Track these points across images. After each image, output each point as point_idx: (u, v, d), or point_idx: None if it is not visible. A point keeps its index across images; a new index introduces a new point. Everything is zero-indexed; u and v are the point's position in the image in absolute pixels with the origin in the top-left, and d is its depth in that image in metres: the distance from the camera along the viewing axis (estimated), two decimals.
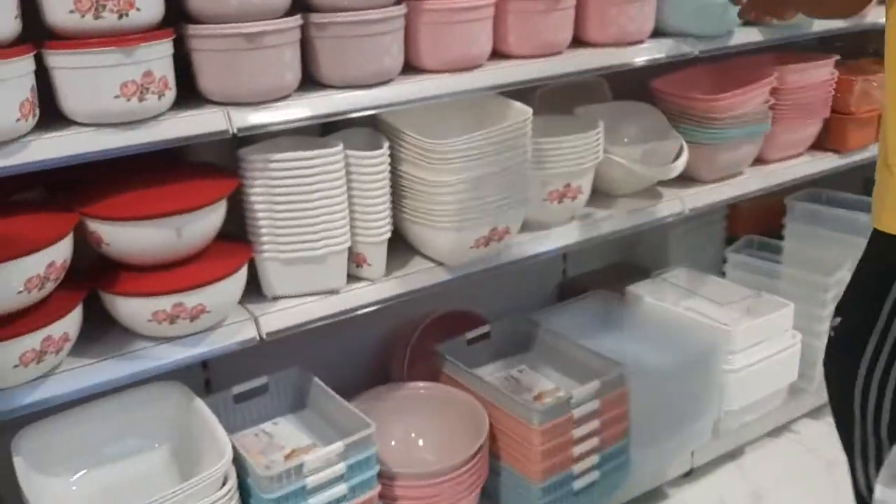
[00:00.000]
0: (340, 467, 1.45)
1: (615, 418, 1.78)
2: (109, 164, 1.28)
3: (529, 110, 1.61)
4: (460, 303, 2.09)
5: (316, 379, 1.65)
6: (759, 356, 2.02)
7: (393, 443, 1.76)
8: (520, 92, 1.66)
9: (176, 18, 1.32)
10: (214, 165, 1.47)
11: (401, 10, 1.47)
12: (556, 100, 1.96)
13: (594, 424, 1.73)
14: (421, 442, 1.78)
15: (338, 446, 1.44)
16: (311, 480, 1.42)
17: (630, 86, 2.05)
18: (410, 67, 1.57)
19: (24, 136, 1.19)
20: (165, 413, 1.49)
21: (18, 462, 1.34)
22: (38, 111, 1.22)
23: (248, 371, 1.67)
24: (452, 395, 1.79)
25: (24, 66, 1.16)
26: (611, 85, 2.09)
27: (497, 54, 1.67)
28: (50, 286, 1.23)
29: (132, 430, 1.48)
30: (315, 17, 1.41)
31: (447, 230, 1.56)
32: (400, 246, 1.66)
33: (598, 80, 2.05)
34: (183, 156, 1.51)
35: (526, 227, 1.75)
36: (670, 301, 2.15)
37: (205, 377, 1.81)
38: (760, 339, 2.02)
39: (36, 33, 1.21)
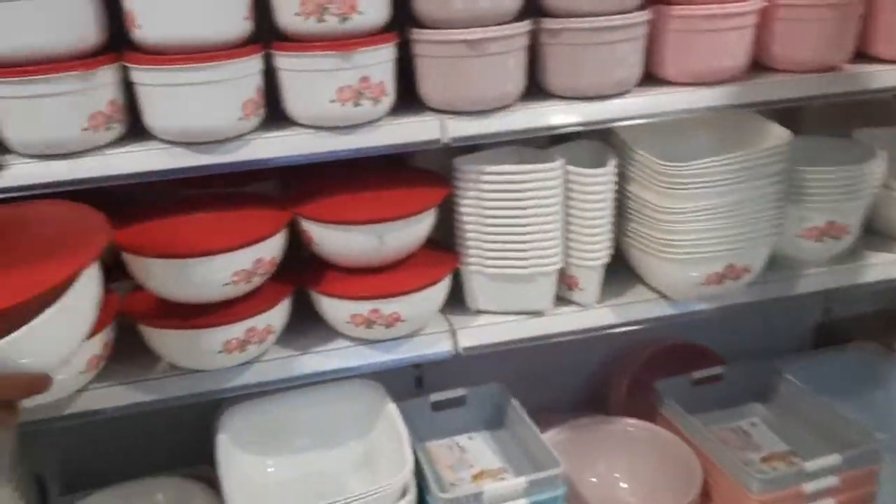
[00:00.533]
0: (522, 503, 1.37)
1: (857, 501, 1.51)
2: (331, 164, 1.29)
3: (788, 134, 1.39)
4: (693, 335, 1.90)
5: (514, 401, 1.58)
6: None
7: (594, 479, 1.64)
8: (787, 109, 1.45)
9: (404, 22, 1.29)
10: (430, 172, 1.44)
11: (644, 16, 1.32)
12: (831, 119, 1.70)
13: None
14: (624, 484, 1.65)
15: (520, 482, 1.36)
16: None
17: None
18: (651, 78, 1.42)
19: (246, 134, 1.23)
20: (360, 412, 1.50)
21: (221, 439, 1.41)
22: (263, 111, 1.25)
23: (465, 374, 1.64)
24: (666, 440, 1.63)
25: (248, 66, 1.19)
26: None
27: (759, 66, 1.46)
28: (257, 280, 1.27)
29: (327, 424, 1.50)
30: (547, 23, 1.31)
31: (674, 262, 1.40)
32: (620, 270, 1.52)
33: (887, 99, 1.74)
34: (405, 158, 1.50)
35: (773, 263, 1.54)
36: None
37: (416, 375, 1.80)
38: None
39: (271, 34, 1.24)
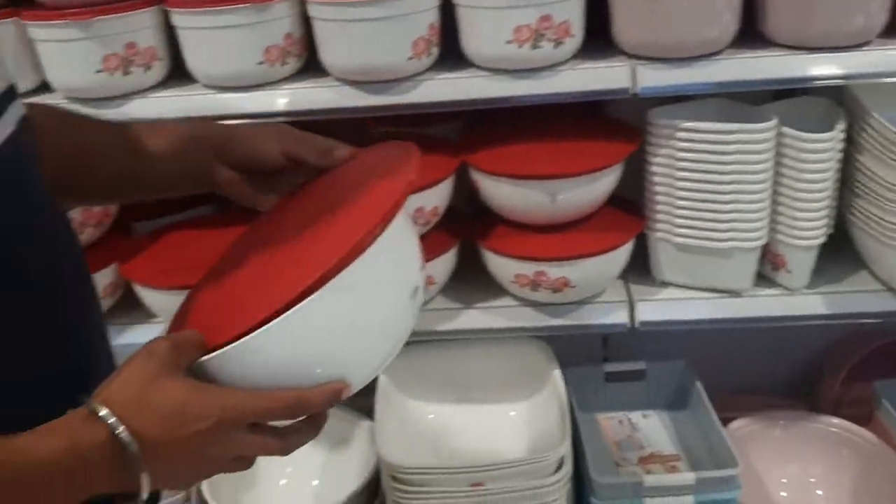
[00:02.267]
0: (688, 500, 1.23)
1: None
2: (514, 109, 1.20)
3: None
4: None
5: (698, 383, 1.42)
6: None
7: (784, 480, 1.46)
8: None
9: None
10: (620, 124, 1.30)
11: None
12: None
13: None
14: (819, 491, 1.45)
15: (689, 478, 1.22)
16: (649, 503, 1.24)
17: None
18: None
19: (417, 74, 1.16)
20: (526, 372, 1.42)
21: (383, 379, 1.40)
22: (436, 50, 1.17)
23: (653, 346, 1.50)
24: (876, 449, 1.40)
25: (421, 2, 1.11)
26: None
27: None
28: (418, 229, 1.22)
29: (491, 380, 1.44)
30: None
31: None
32: (841, 253, 1.30)
33: None
34: (597, 106, 1.36)
35: None
36: None
37: (604, 336, 1.69)
38: None
39: None
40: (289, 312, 0.60)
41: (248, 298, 0.67)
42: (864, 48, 1.12)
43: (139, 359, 0.60)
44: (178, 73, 1.24)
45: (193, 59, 1.19)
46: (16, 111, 0.66)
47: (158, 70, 1.21)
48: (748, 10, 1.15)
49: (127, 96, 1.20)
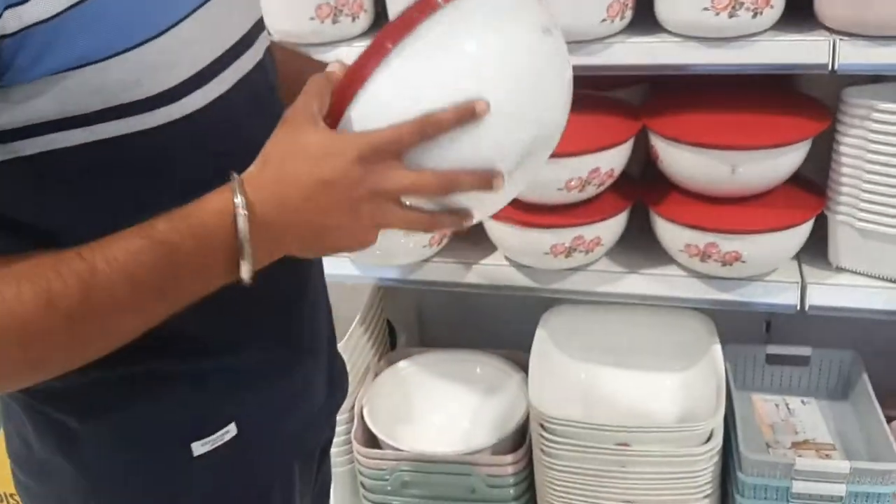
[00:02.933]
0: (839, 489, 1.21)
1: None
2: (703, 77, 1.20)
3: None
4: None
5: (865, 375, 1.38)
6: None
7: None
8: None
9: None
10: (810, 100, 1.26)
11: None
12: None
13: None
14: None
15: (843, 466, 1.20)
16: (799, 487, 1.22)
17: None
18: None
19: (609, 37, 1.18)
20: (686, 344, 1.43)
21: (540, 334, 1.45)
22: (629, 13, 1.18)
23: (819, 331, 1.46)
24: None
25: None
26: None
27: None
28: (591, 189, 1.25)
29: (649, 347, 1.46)
30: None
31: None
32: None
33: None
34: (788, 80, 1.33)
35: None
36: None
37: (766, 320, 1.66)
38: None
39: None
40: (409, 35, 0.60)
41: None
42: None
43: (279, 130, 0.64)
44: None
45: None
46: (263, 41, 0.75)
47: (364, 20, 1.30)
48: None
49: (334, 43, 1.30)
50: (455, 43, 0.62)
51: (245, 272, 0.62)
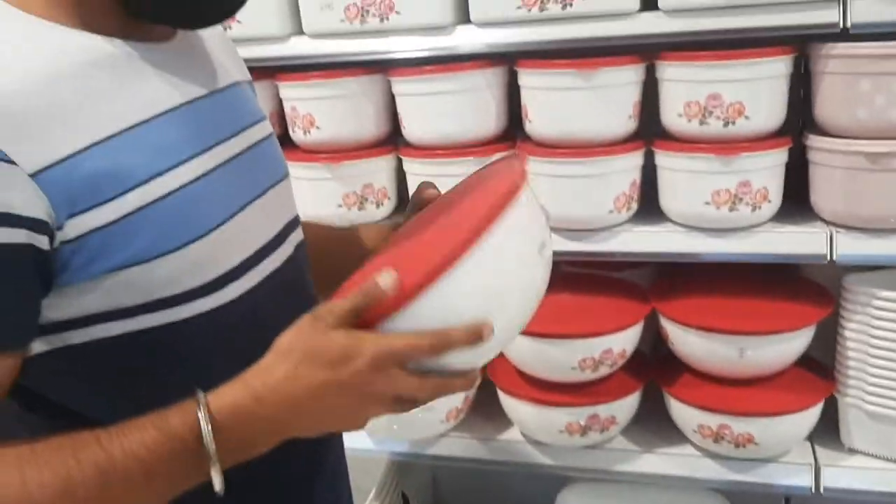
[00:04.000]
0: None
1: None
2: (711, 265, 1.26)
3: None
4: None
5: None
6: None
7: None
8: None
9: (798, 126, 1.21)
10: (813, 286, 1.32)
11: None
12: None
13: None
14: None
15: None
16: None
17: None
18: None
19: (615, 226, 1.26)
20: None
21: None
22: (635, 205, 1.27)
23: None
24: None
25: (625, 163, 1.22)
26: None
27: None
28: (605, 370, 1.29)
29: None
30: None
31: None
32: None
33: None
34: (789, 267, 1.39)
35: None
36: None
37: (786, 496, 1.64)
38: None
39: (654, 132, 1.26)
40: (444, 275, 0.66)
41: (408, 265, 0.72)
42: None
43: (304, 324, 0.68)
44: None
45: None
46: (296, 238, 0.83)
47: (388, 207, 1.39)
48: None
49: None
50: (488, 275, 0.68)
51: (217, 484, 0.65)
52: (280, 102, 1.40)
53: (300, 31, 1.30)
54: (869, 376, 1.22)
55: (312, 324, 0.68)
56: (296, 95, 1.36)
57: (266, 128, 0.84)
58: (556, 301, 1.31)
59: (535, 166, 1.26)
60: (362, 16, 1.25)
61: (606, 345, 1.25)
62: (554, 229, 1.28)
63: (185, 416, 0.64)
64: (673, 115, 1.19)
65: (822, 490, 1.26)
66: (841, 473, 1.26)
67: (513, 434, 1.42)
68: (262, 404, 0.65)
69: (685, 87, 1.17)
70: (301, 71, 1.34)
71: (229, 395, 0.65)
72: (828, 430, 1.31)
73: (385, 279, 0.67)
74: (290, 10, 1.30)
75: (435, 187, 0.90)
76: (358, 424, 0.70)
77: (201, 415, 0.64)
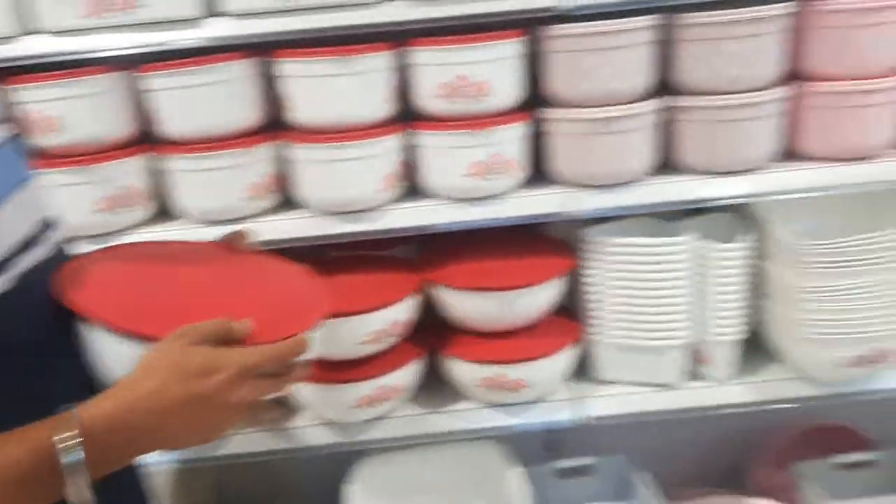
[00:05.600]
0: None
1: None
2: (467, 231, 1.36)
3: None
4: (845, 415, 1.80)
5: (640, 474, 1.56)
6: None
7: None
8: None
9: (537, 101, 1.35)
10: (560, 242, 1.48)
11: (779, 93, 1.32)
12: None
13: None
14: None
15: None
16: None
17: None
18: (792, 154, 1.40)
19: (384, 204, 1.32)
20: (486, 474, 1.54)
21: (353, 489, 1.49)
22: (402, 183, 1.34)
23: (599, 444, 1.65)
24: None
25: (388, 144, 1.29)
26: None
27: None
28: (391, 340, 1.35)
29: (454, 483, 1.54)
30: (681, 101, 1.33)
31: (810, 342, 1.36)
32: (761, 347, 1.49)
33: None
34: (539, 228, 1.54)
35: None
36: None
37: (548, 440, 1.81)
38: None
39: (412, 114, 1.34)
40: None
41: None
42: (759, 172, 1.35)
43: (169, 342, 0.75)
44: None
45: (184, 198, 1.33)
46: (49, 239, 0.83)
47: (145, 210, 1.35)
48: (667, 143, 1.37)
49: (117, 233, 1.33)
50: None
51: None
52: (13, 106, 1.30)
53: (33, 30, 1.21)
54: (613, 315, 1.41)
55: (175, 341, 0.74)
56: (32, 98, 1.27)
57: None
58: (334, 283, 1.36)
59: (302, 153, 1.29)
60: (104, 9, 1.19)
61: (392, 316, 1.32)
62: (326, 213, 1.32)
63: (54, 429, 0.67)
64: (427, 97, 1.28)
65: (584, 419, 1.42)
66: (598, 402, 1.44)
67: (300, 420, 1.45)
68: (135, 415, 0.69)
69: (436, 70, 1.26)
70: (37, 71, 1.25)
71: (101, 406, 0.69)
72: (585, 369, 1.48)
73: (243, 325, 0.78)
74: (18, 7, 1.21)
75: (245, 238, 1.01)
76: (221, 433, 0.76)
77: (65, 432, 0.67)
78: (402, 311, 1.34)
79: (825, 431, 1.80)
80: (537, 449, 1.78)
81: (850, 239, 1.29)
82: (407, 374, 1.39)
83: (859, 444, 1.76)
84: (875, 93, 1.32)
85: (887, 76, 1.32)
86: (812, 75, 1.34)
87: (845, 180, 1.34)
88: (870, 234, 1.30)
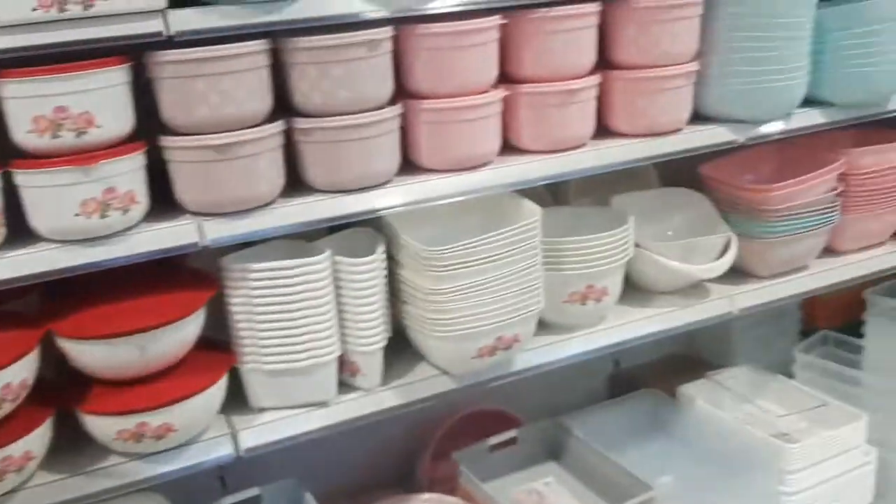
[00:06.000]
0: None
1: None
2: (101, 273, 1.26)
3: (538, 211, 1.49)
4: (496, 400, 1.96)
5: (307, 495, 1.57)
6: (823, 476, 1.78)
7: None
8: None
9: (155, 129, 1.29)
10: (198, 273, 1.43)
11: (393, 111, 1.39)
12: (597, 185, 1.83)
13: None
14: None
15: None
16: None
17: (681, 171, 1.89)
18: (413, 166, 1.49)
19: None
20: None
21: None
22: (4, 229, 1.21)
23: (270, 469, 1.61)
24: None
25: None
26: (659, 170, 1.94)
27: (511, 148, 1.57)
28: (8, 406, 1.21)
29: None
30: (299, 123, 1.35)
31: (446, 339, 1.45)
32: (406, 350, 1.56)
33: (643, 165, 1.89)
34: (175, 260, 1.48)
35: (547, 329, 1.63)
36: (727, 405, 1.95)
37: (220, 475, 1.75)
38: (825, 457, 1.79)
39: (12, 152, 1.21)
40: None
41: None
42: (385, 186, 1.41)
43: None
44: None
45: None
46: None
47: None
48: (294, 165, 1.38)
49: None
50: None
51: None
52: None
53: None
54: (260, 340, 1.39)
55: None
56: None
57: None
58: None
59: None
60: None
61: (5, 380, 1.18)
62: None
63: None
64: (23, 133, 1.16)
65: (242, 452, 1.39)
66: (256, 432, 1.41)
67: None
68: None
69: (30, 103, 1.15)
70: None
71: None
72: (239, 398, 1.45)
73: None
74: None
75: None
76: None
77: None
78: (13, 374, 1.20)
79: (480, 417, 1.95)
80: (213, 484, 1.71)
81: (468, 241, 1.40)
82: (34, 440, 1.25)
83: (511, 423, 1.93)
84: (477, 108, 1.44)
85: (487, 92, 1.46)
86: (421, 94, 1.44)
87: (461, 188, 1.46)
88: (487, 235, 1.41)
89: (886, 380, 1.94)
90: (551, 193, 1.87)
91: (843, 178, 1.84)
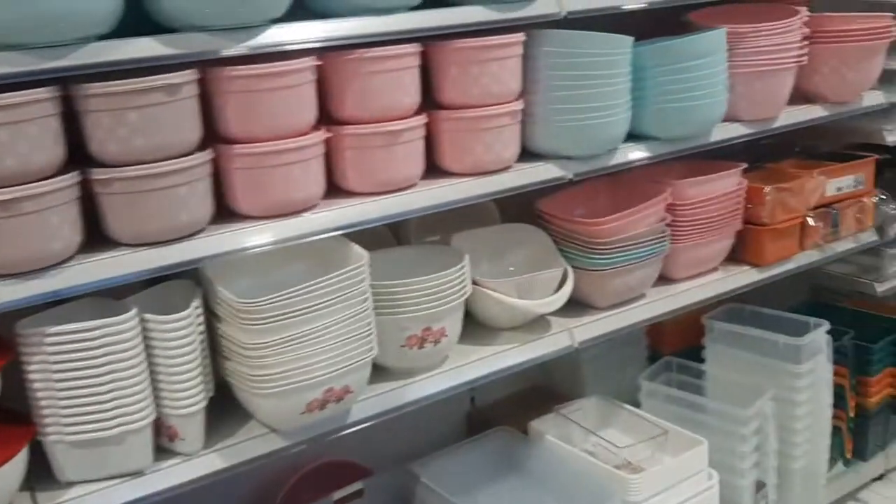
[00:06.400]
0: None
1: None
2: None
3: (365, 255, 1.45)
4: (346, 451, 1.89)
5: None
6: (668, 503, 1.80)
7: None
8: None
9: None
10: None
11: (199, 158, 1.33)
12: (438, 222, 1.81)
13: None
14: None
15: None
16: None
17: (522, 206, 1.89)
18: (230, 213, 1.42)
19: None
20: None
21: None
22: None
23: None
24: None
25: None
26: (501, 206, 1.95)
27: (339, 191, 1.53)
28: None
29: None
30: (96, 174, 1.27)
31: (269, 396, 1.38)
32: (233, 407, 1.48)
33: (486, 203, 1.89)
34: None
35: (386, 375, 1.59)
36: (575, 439, 1.95)
37: None
38: (669, 484, 1.81)
39: None
40: None
41: None
42: (196, 237, 1.34)
43: None
44: None
45: None
46: None
47: None
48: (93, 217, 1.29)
49: None
50: None
51: None
52: None
53: None
54: (62, 409, 1.28)
55: None
56: None
57: None
58: None
59: None
60: None
61: None
62: None
63: None
64: None
65: None
66: None
67: None
68: None
69: None
70: None
71: None
72: (44, 473, 1.33)
73: None
74: None
75: None
76: None
77: None
78: None
79: (328, 469, 1.88)
80: None
81: (285, 292, 1.34)
82: None
83: (362, 474, 1.87)
84: (293, 151, 1.39)
85: (305, 134, 1.41)
86: (234, 138, 1.38)
87: (282, 235, 1.41)
88: (307, 284, 1.36)
89: (725, 403, 1.99)
90: (393, 232, 1.84)
91: (671, 208, 1.89)
